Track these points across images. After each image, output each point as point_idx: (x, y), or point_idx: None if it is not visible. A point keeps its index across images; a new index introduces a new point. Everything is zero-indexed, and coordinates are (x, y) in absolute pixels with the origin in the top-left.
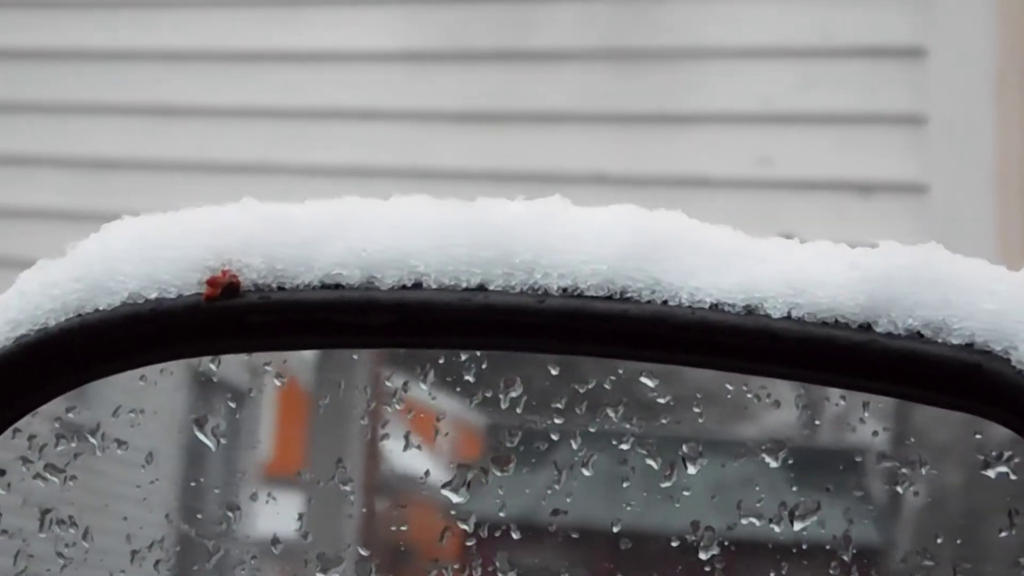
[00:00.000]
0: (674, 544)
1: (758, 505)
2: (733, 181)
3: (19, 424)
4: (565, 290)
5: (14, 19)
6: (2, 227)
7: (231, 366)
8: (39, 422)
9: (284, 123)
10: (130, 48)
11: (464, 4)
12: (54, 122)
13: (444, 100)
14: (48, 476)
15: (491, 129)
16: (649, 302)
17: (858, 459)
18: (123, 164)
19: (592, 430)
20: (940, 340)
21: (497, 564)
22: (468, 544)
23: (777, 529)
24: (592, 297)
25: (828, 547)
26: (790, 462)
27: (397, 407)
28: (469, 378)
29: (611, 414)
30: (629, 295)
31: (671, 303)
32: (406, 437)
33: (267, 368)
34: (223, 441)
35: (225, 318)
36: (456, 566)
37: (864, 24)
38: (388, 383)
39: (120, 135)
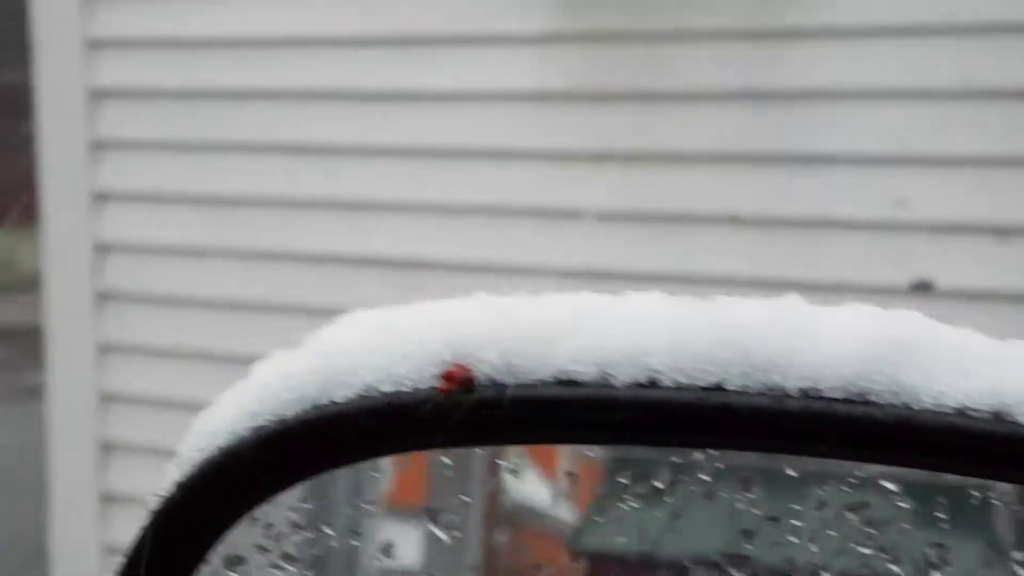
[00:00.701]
0: None
1: None
2: (868, 223)
3: (256, 513)
4: (805, 392)
5: (174, 58)
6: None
7: (465, 459)
8: (276, 511)
9: (416, 162)
10: (266, 88)
11: (598, 44)
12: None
13: (577, 140)
14: (285, 566)
15: (624, 169)
16: (892, 405)
17: None
18: (263, 201)
19: (832, 533)
20: None
21: None
22: None
23: None
24: (833, 399)
25: None
26: None
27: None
28: (702, 476)
29: (852, 518)
30: (871, 398)
31: (914, 407)
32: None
33: (500, 462)
34: (456, 535)
35: (460, 412)
36: None
37: (1004, 65)
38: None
39: (252, 174)
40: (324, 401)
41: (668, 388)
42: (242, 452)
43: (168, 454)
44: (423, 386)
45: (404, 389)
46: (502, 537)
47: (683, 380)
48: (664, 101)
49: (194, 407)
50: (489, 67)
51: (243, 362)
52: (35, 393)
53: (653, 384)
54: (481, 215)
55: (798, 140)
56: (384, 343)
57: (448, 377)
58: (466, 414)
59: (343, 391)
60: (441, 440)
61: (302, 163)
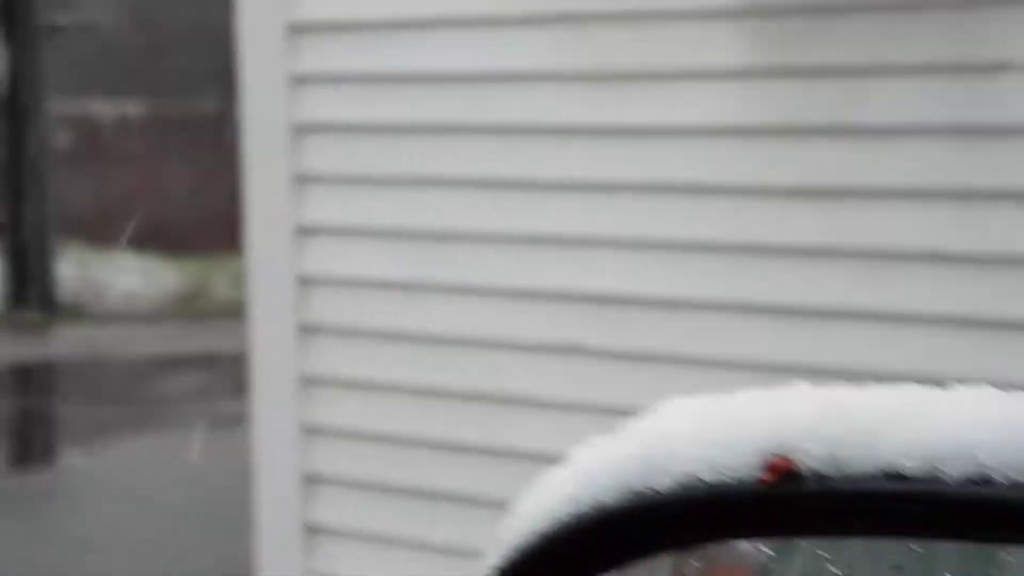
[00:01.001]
0: None
1: None
2: None
3: None
4: None
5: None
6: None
7: (788, 550)
8: None
9: (613, 197)
10: (469, 123)
11: (799, 79)
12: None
13: (778, 175)
14: None
15: (825, 205)
16: None
17: None
18: (466, 235)
19: None
20: None
21: None
22: None
23: None
24: None
25: None
26: None
27: None
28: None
29: None
30: None
31: None
32: None
33: (819, 553)
34: None
35: (783, 504)
36: None
37: None
38: None
39: (455, 209)
40: (644, 488)
41: (1003, 485)
42: (563, 537)
43: (371, 487)
44: (745, 476)
45: (725, 479)
46: None
47: (1017, 477)
48: (865, 136)
49: (396, 440)
50: (689, 102)
51: (444, 396)
52: (233, 421)
53: (986, 481)
54: (681, 251)
55: (1004, 175)
56: (706, 431)
57: (771, 468)
58: (790, 505)
59: (663, 479)
60: (763, 531)
61: (505, 197)
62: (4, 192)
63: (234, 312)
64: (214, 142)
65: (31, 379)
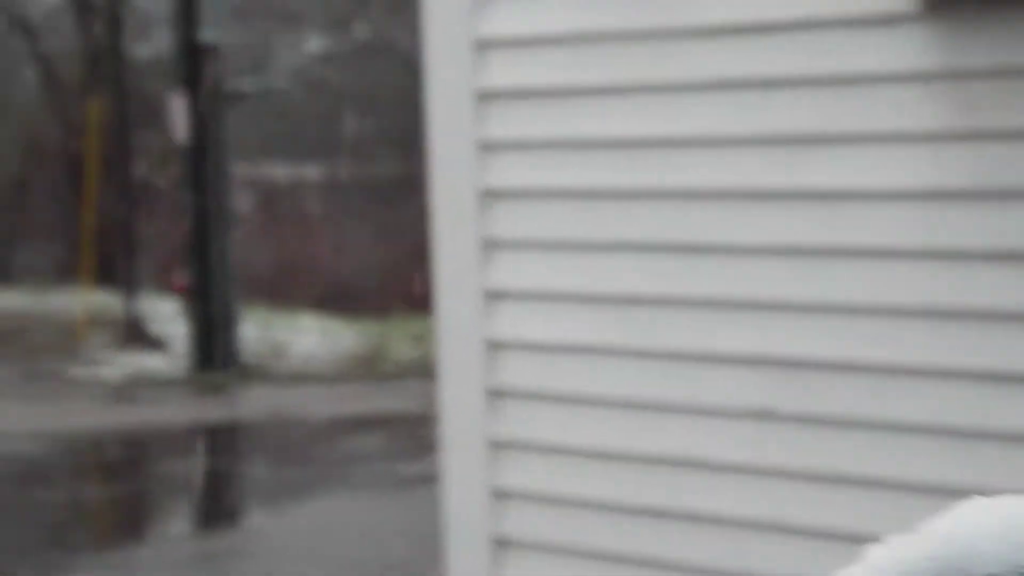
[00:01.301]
0: None
1: None
2: None
3: None
4: None
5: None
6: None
7: None
8: None
9: (799, 261)
10: (655, 187)
11: (987, 142)
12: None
13: (971, 239)
14: None
15: (1020, 268)
16: None
17: None
18: (656, 299)
19: None
20: None
21: None
22: None
23: None
24: None
25: None
26: None
27: None
28: None
29: None
30: None
31: None
32: None
33: None
34: None
35: None
36: None
37: None
38: None
39: (645, 273)
40: None
41: None
42: None
43: (561, 550)
44: None
45: None
46: None
47: None
48: None
49: (585, 504)
50: (877, 165)
51: (633, 460)
52: (414, 481)
53: None
54: (869, 315)
55: None
56: (1010, 532)
57: None
58: None
59: None
60: None
61: (693, 261)
62: (189, 256)
63: (412, 373)
64: (391, 204)
65: (216, 440)
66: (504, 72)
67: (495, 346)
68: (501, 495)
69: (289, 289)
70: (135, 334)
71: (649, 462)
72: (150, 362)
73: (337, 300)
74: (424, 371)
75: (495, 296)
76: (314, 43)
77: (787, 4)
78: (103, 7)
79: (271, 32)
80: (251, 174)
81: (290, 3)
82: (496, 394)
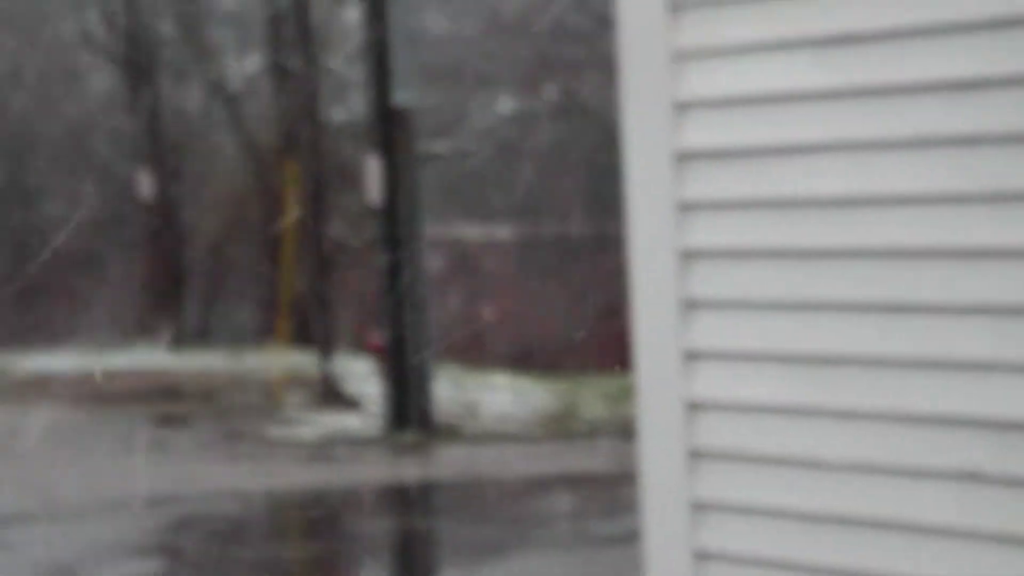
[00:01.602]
0: None
1: None
2: None
3: None
4: None
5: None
6: None
7: None
8: None
9: (1010, 321)
10: (855, 247)
11: None
12: None
13: None
14: None
15: None
16: None
17: None
18: (857, 360)
19: None
20: None
21: None
22: None
23: None
24: None
25: None
26: None
27: None
28: None
29: None
30: None
31: None
32: None
33: None
34: None
35: None
36: None
37: None
38: None
39: (845, 333)
40: None
41: None
42: None
43: None
44: None
45: None
46: None
47: None
48: None
49: (788, 568)
50: None
51: (836, 523)
52: (608, 541)
53: None
54: None
55: None
56: None
57: None
58: None
59: None
60: None
61: (897, 321)
62: (383, 315)
63: (604, 431)
64: (582, 263)
65: (411, 499)
66: (703, 132)
67: (695, 406)
68: (703, 556)
69: (480, 348)
70: (331, 393)
71: (851, 523)
72: (346, 421)
73: (528, 358)
74: (616, 430)
75: (694, 356)
76: (505, 104)
77: (998, 59)
78: (300, 73)
79: (463, 94)
80: (443, 234)
81: (481, 65)
82: (696, 455)
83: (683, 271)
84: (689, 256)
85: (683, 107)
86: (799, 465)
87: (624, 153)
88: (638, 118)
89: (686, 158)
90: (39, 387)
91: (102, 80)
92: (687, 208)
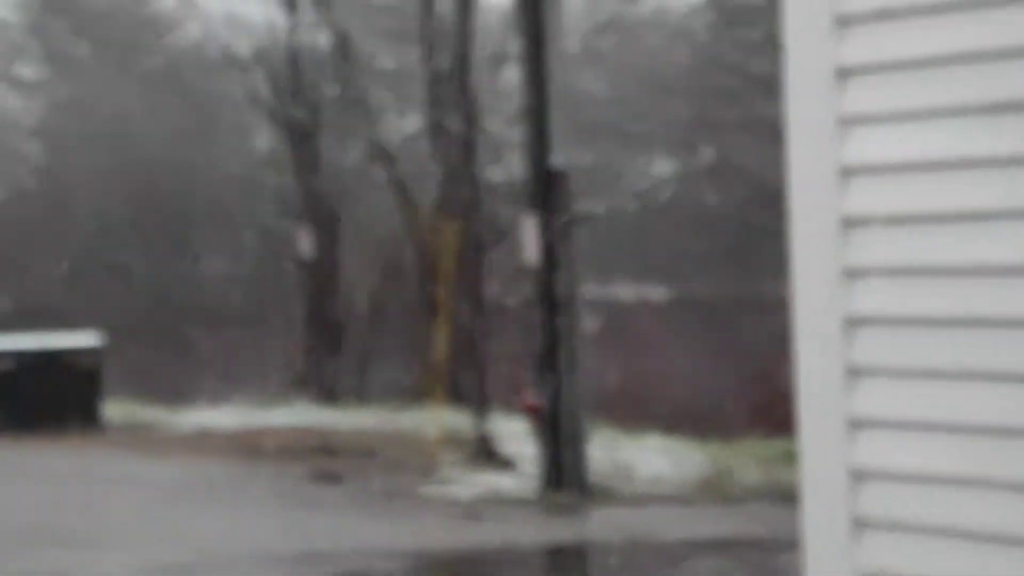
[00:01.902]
0: None
1: None
2: None
3: None
4: None
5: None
6: None
7: None
8: None
9: None
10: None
11: None
12: None
13: None
14: None
15: None
16: None
17: None
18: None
19: None
20: None
21: None
22: None
23: None
24: None
25: None
26: None
27: None
28: None
29: None
30: None
31: None
32: None
33: None
34: None
35: None
36: None
37: None
38: None
39: (1016, 402)
40: None
41: None
42: None
43: None
44: None
45: None
46: None
47: None
48: None
49: None
50: None
51: None
52: None
53: None
54: None
55: None
56: None
57: None
58: None
59: None
60: None
61: None
62: (538, 375)
63: (759, 496)
64: (735, 325)
65: (565, 560)
66: (870, 197)
67: (859, 474)
68: None
69: (634, 409)
70: (485, 453)
71: None
72: (500, 481)
73: (682, 420)
74: (772, 494)
75: (859, 424)
76: (661, 165)
77: None
78: (457, 133)
79: (619, 154)
80: (597, 294)
81: (637, 127)
82: (861, 524)
83: (848, 338)
84: (854, 322)
85: (850, 172)
86: (967, 537)
87: (789, 218)
88: (804, 183)
89: (852, 223)
90: (199, 441)
91: (265, 139)
92: (853, 274)
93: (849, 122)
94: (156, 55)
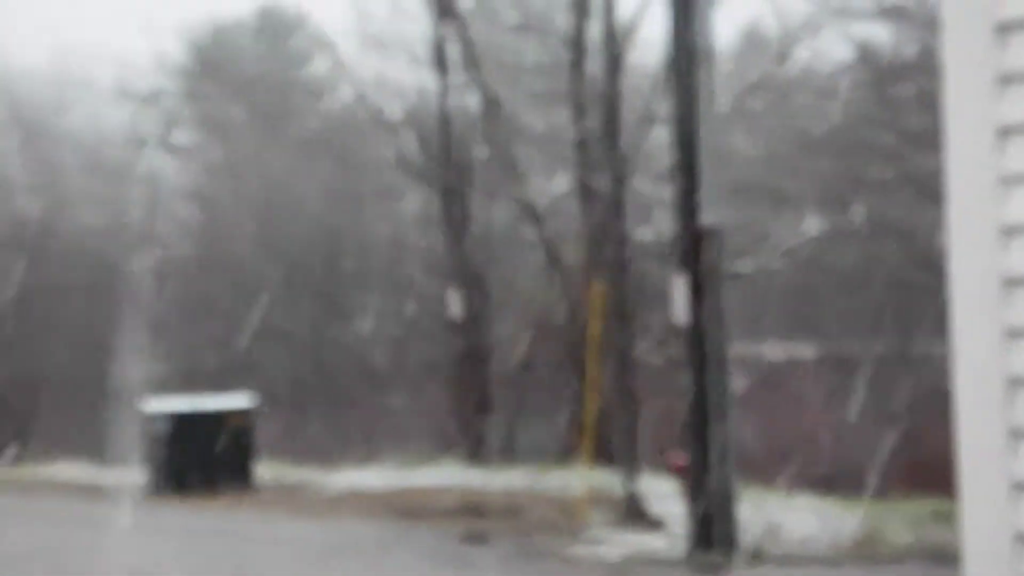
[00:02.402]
0: None
1: None
2: None
3: None
4: None
5: None
6: None
7: None
8: None
9: None
10: None
11: None
12: None
13: None
14: None
15: None
16: None
17: None
18: None
19: None
20: None
21: None
22: None
23: None
24: None
25: None
26: None
27: None
28: None
29: None
30: None
31: None
32: None
33: None
34: None
35: None
36: None
37: None
38: None
39: None
40: None
41: None
42: None
43: None
44: None
45: None
46: None
47: None
48: None
49: None
50: None
51: None
52: None
53: None
54: None
55: None
56: None
57: None
58: None
59: None
60: None
61: None
62: (687, 435)
63: (910, 556)
64: (886, 384)
65: None
66: None
67: (1020, 538)
68: None
69: (782, 468)
70: (633, 513)
71: None
72: (648, 541)
73: (831, 479)
74: (924, 555)
75: (1021, 486)
76: (811, 223)
77: None
78: (606, 193)
79: (769, 213)
80: (746, 353)
81: (786, 185)
82: None
83: (1011, 399)
84: (1017, 383)
85: (1010, 231)
86: None
87: (949, 278)
88: (963, 242)
89: (1013, 283)
90: (349, 502)
91: (414, 201)
92: (1015, 334)
93: (1010, 181)
94: (308, 118)
